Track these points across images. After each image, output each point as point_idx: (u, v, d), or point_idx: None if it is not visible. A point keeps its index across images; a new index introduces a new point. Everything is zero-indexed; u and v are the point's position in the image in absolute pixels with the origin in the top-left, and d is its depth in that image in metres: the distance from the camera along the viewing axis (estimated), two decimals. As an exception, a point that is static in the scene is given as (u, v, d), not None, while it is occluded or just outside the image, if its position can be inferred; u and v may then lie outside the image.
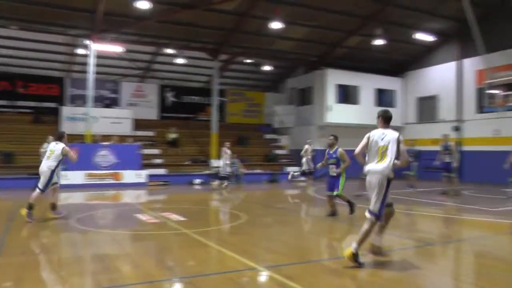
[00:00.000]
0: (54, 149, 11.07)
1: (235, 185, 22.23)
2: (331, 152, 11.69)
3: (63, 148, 11.02)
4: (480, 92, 23.49)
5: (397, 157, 6.89)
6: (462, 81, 25.70)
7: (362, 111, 27.12)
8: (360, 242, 6.73)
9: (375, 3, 22.40)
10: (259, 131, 29.86)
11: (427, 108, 27.92)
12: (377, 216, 6.85)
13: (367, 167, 6.96)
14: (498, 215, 12.38)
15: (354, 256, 6.62)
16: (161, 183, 21.76)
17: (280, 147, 28.94)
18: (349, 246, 6.71)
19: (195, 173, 23.38)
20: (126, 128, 24.54)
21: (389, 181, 6.82)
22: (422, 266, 6.96)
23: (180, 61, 26.15)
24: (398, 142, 6.81)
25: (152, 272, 6.54)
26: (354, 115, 26.81)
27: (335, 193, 11.64)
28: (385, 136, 6.86)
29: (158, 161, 23.54)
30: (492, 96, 21.31)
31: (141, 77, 28.91)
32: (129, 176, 20.91)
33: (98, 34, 21.21)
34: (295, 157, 27.73)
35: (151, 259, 7.45)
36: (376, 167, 6.83)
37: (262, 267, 6.72)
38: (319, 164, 12.28)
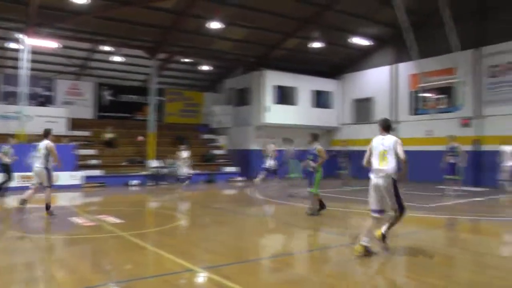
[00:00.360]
0: (40, 147, 11.72)
1: (172, 186, 22.12)
2: (311, 149, 12.23)
3: (47, 143, 11.65)
4: (414, 95, 24.37)
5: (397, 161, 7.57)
6: (396, 84, 26.63)
7: (300, 112, 27.56)
8: (390, 227, 7.70)
9: (313, 7, 22.74)
10: (197, 131, 29.65)
11: (363, 109, 28.69)
12: (400, 210, 7.60)
13: (372, 170, 7.66)
14: (432, 211, 12.96)
15: (383, 237, 7.63)
16: (97, 184, 21.28)
17: (218, 147, 28.90)
18: (379, 229, 7.63)
19: (132, 174, 22.99)
20: (61, 128, 23.75)
21: (394, 180, 7.46)
22: (359, 262, 7.18)
23: (117, 59, 25.66)
24: (396, 145, 7.47)
25: (88, 277, 6.43)
26: (292, 115, 27.19)
27: (310, 189, 12.12)
28: (384, 141, 7.59)
29: (94, 162, 22.97)
30: (424, 99, 22.14)
31: (77, 74, 28.15)
32: (64, 177, 20.24)
33: (32, 28, 20.35)
34: (232, 157, 27.85)
35: (87, 263, 7.32)
36: (379, 170, 7.52)
37: (200, 268, 6.75)
38: (303, 163, 12.62)
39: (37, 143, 12.22)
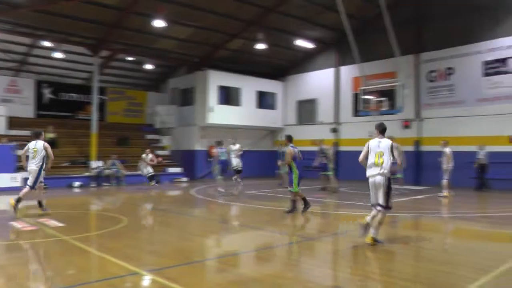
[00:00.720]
0: (36, 147, 11.93)
1: (115, 187, 21.80)
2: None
3: (44, 144, 11.96)
4: (356, 97, 24.96)
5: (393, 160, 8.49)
6: (339, 87, 27.28)
7: (244, 113, 27.72)
8: (377, 229, 8.34)
9: (258, 9, 22.94)
10: (140, 131, 29.24)
11: (306, 110, 29.18)
12: (386, 207, 8.43)
13: (368, 169, 8.58)
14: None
15: (374, 240, 8.20)
16: (38, 186, 20.59)
17: (162, 148, 28.62)
18: (369, 234, 8.24)
19: (74, 175, 22.42)
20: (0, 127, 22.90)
21: (389, 179, 8.43)
22: (303, 260, 7.34)
23: (58, 55, 24.86)
24: (392, 148, 8.43)
25: (28, 284, 6.27)
26: (236, 116, 27.33)
27: (289, 189, 12.54)
28: (380, 144, 8.55)
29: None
30: (366, 101, 22.68)
31: (16, 70, 27.10)
32: (3, 180, 19.43)
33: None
34: (176, 158, 27.66)
35: (27, 270, 7.10)
36: (375, 169, 8.44)
37: (145, 271, 6.72)
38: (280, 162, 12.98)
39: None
